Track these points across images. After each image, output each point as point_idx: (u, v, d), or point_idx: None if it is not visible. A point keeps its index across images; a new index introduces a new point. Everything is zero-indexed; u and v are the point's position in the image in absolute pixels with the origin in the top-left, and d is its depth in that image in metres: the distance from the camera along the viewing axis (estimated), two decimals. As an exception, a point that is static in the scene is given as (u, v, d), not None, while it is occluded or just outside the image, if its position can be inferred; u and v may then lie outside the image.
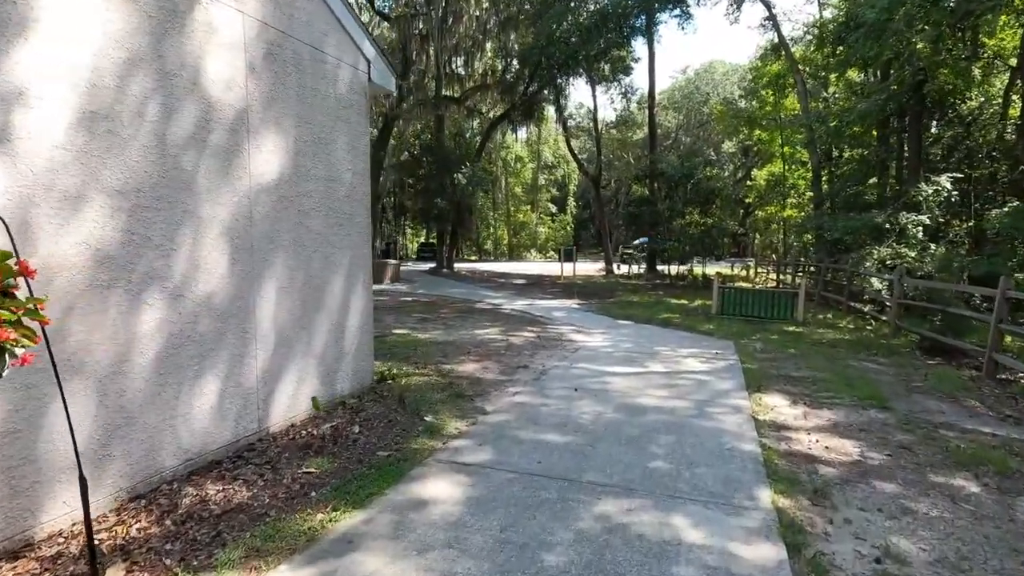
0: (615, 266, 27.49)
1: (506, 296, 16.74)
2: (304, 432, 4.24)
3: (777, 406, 5.44)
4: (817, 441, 4.46)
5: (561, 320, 11.62)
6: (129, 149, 3.09)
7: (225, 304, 3.74)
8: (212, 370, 3.66)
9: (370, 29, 30.26)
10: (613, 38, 18.65)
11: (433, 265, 26.17)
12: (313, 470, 3.63)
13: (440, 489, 3.42)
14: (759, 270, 26.87)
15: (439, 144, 23.31)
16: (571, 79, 24.29)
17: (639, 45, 31.95)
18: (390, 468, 3.71)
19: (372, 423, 4.55)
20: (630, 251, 38.12)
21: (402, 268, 28.47)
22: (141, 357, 3.20)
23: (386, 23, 27.67)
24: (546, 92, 24.99)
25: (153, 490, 3.26)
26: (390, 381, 5.69)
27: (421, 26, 25.90)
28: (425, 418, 4.73)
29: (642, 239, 39.08)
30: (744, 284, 20.18)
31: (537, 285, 20.92)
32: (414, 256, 45.13)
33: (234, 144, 3.77)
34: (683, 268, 22.57)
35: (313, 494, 3.32)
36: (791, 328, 10.88)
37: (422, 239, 44.83)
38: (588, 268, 30.78)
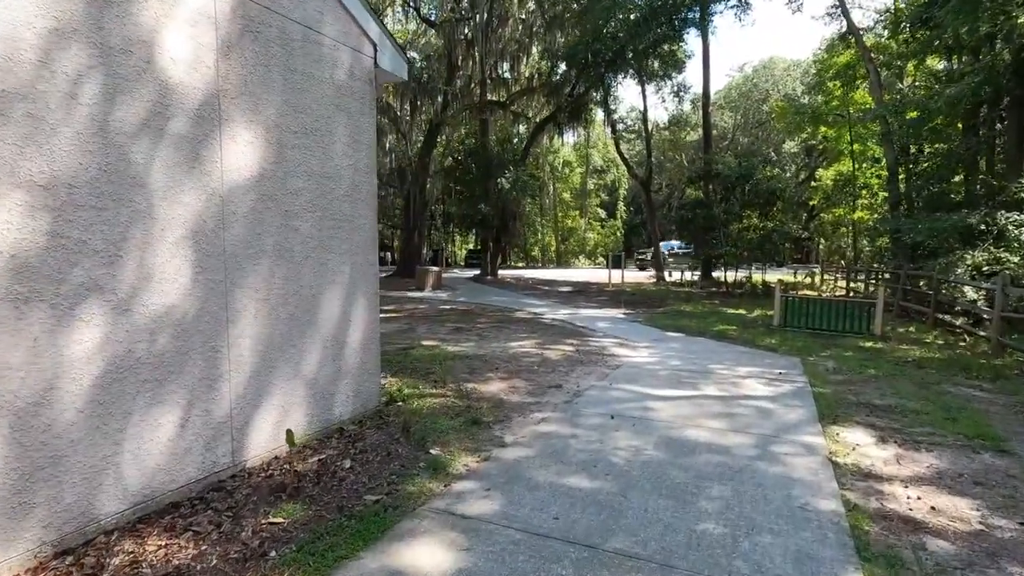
0: (667, 273, 26.18)
1: (549, 305, 15.98)
2: (286, 467, 3.66)
3: (860, 445, 4.44)
4: (919, 498, 3.48)
5: (604, 332, 10.76)
6: (58, 137, 2.60)
7: (189, 319, 3.21)
8: (172, 397, 3.13)
9: (416, 37, 30.52)
10: (664, 31, 17.60)
11: (478, 272, 25.72)
12: (281, 520, 3.02)
13: (427, 554, 2.73)
14: (826, 277, 24.90)
15: (483, 148, 22.87)
16: (619, 78, 23.33)
17: (692, 39, 30.51)
18: (374, 520, 3.05)
19: (368, 456, 3.93)
20: (643, 256, 36.50)
21: (447, 275, 28.22)
22: (74, 384, 2.69)
23: (432, 30, 27.65)
24: (593, 93, 24.13)
25: (87, 542, 2.74)
26: (400, 403, 5.07)
27: (467, 31, 25.70)
28: (431, 451, 4.07)
29: (669, 243, 37.50)
30: (809, 292, 18.56)
31: (583, 293, 20.04)
32: (462, 263, 45.06)
33: (201, 134, 3.25)
34: (740, 275, 21.10)
35: (272, 554, 2.71)
36: (868, 344, 9.58)
37: (471, 246, 44.67)
38: (638, 275, 29.55)
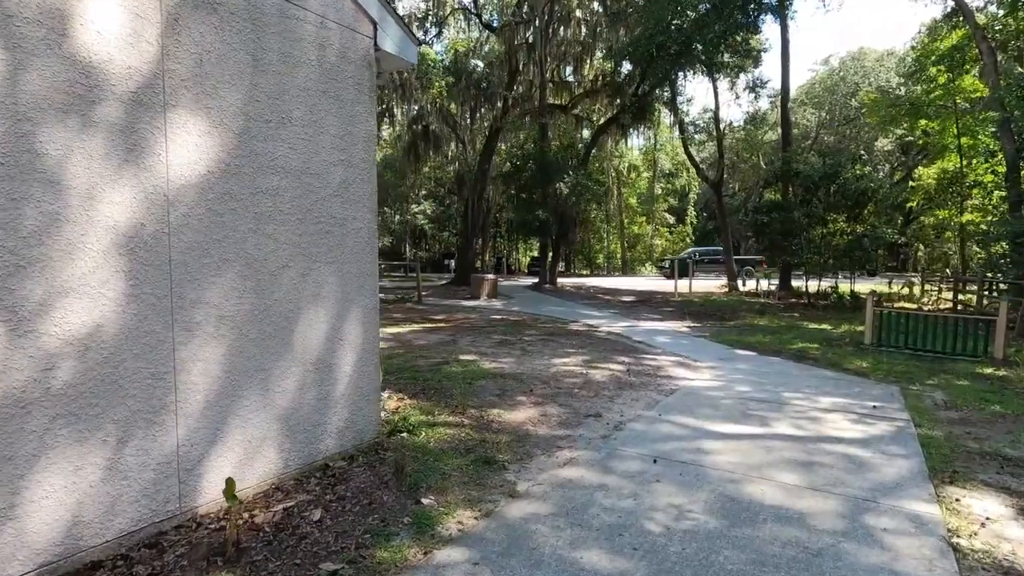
0: (740, 282, 24.28)
1: (606, 316, 14.97)
2: (243, 517, 3.08)
3: (992, 518, 3.30)
4: (1099, 622, 2.38)
5: (663, 348, 9.69)
6: (-67, 122, 2.14)
7: (121, 341, 2.70)
8: (96, 434, 2.62)
9: (479, 44, 30.43)
10: (736, 19, 16.13)
11: (537, 280, 25.00)
12: (204, 598, 2.42)
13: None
14: (927, 288, 22.12)
15: (541, 152, 22.18)
16: (687, 74, 21.92)
17: (769, 28, 28.17)
18: (319, 604, 2.39)
19: (345, 504, 3.29)
20: (664, 262, 34.19)
21: (507, 283, 27.71)
22: (-44, 421, 2.21)
23: (494, 36, 27.40)
24: (659, 92, 22.85)
25: (-33, 616, 2.25)
26: (404, 434, 4.41)
27: (528, 35, 25.20)
28: (423, 500, 3.37)
29: (692, 250, 35.02)
30: (908, 305, 16.36)
31: (646, 303, 18.80)
32: (526, 270, 44.52)
33: (138, 122, 2.74)
34: (824, 285, 19.05)
35: (175, 651, 2.10)
36: (987, 370, 7.95)
37: (535, 253, 44.08)
38: (709, 284, 27.71)
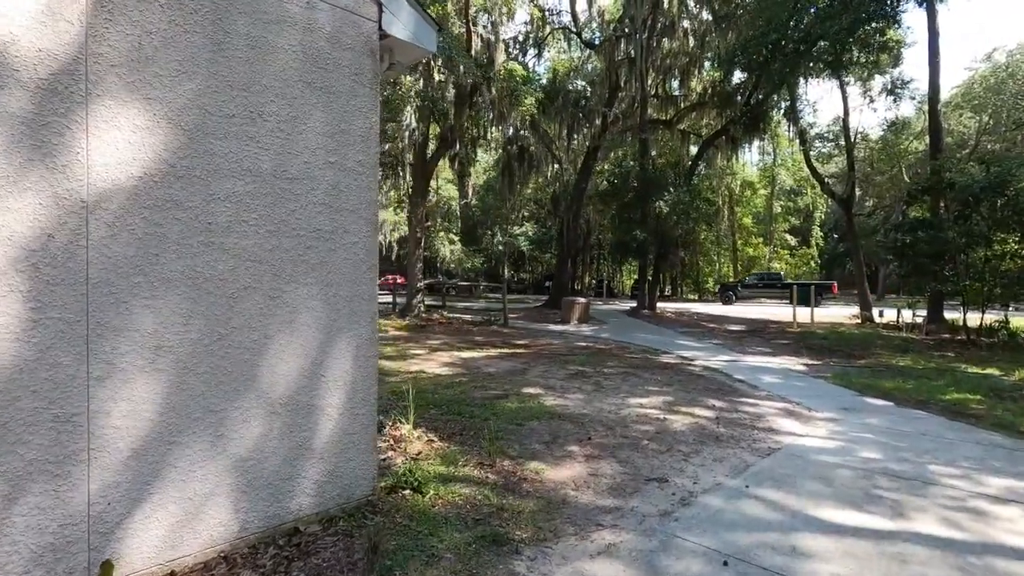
0: (877, 312, 20.96)
1: (706, 348, 13.31)
2: (161, 599, 2.48)
3: None
4: None
5: (769, 390, 8.11)
6: None
7: (13, 376, 2.23)
8: (-25, 488, 2.15)
9: (581, 64, 29.90)
10: (869, 9, 13.87)
11: (635, 305, 23.49)
12: None
13: None
14: None
15: (641, 169, 20.90)
16: (808, 78, 19.55)
17: (913, 17, 24.16)
18: None
19: (291, 593, 2.58)
20: (725, 288, 30.92)
21: (605, 307, 26.45)
22: None
23: (595, 54, 26.72)
24: (775, 99, 20.66)
25: None
26: (407, 491, 3.64)
27: (630, 50, 24.21)
28: (391, 596, 2.57)
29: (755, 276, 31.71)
30: (1113, 347, 12.81)
31: (757, 334, 16.66)
32: (629, 293, 42.69)
33: (49, 114, 2.31)
34: (991, 318, 15.64)
35: None
36: None
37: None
38: (837, 313, 24.34)
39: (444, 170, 39.08)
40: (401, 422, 5.15)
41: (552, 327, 17.40)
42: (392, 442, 4.77)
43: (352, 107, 3.33)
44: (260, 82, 2.93)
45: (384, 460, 4.38)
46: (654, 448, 5.12)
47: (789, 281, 31.82)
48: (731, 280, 34.83)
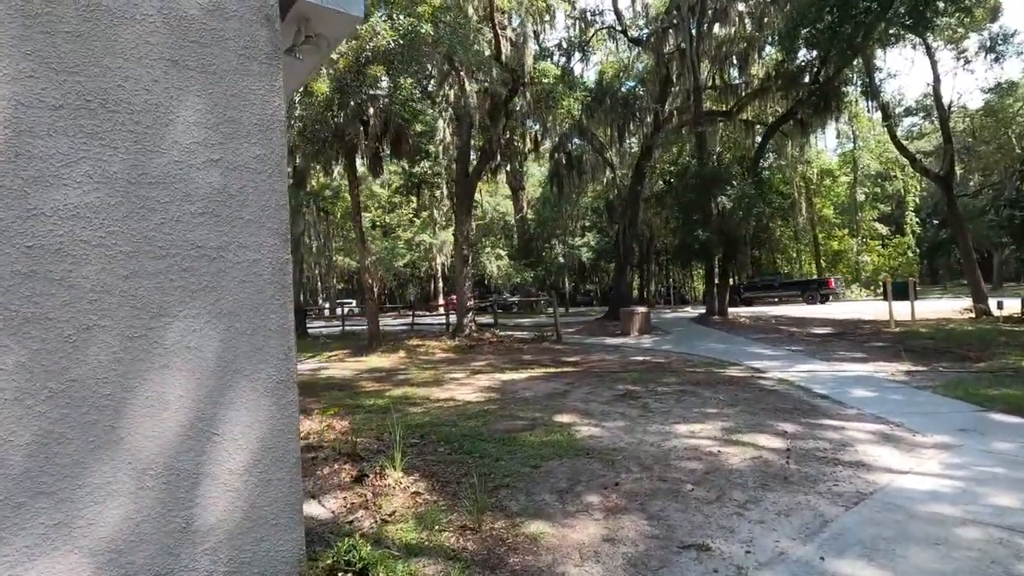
0: (994, 303, 18.04)
1: (782, 356, 11.68)
2: None
3: None
4: None
5: (859, 408, 6.66)
6: None
7: None
8: None
9: (631, 63, 28.65)
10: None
11: (703, 311, 21.73)
12: None
13: None
14: None
15: (700, 165, 19.37)
16: (885, 47, 17.30)
17: None
18: None
19: None
20: (736, 288, 31.01)
21: (669, 315, 24.80)
22: None
23: (642, 50, 25.45)
24: (847, 73, 18.50)
25: None
26: (350, 574, 2.82)
27: (681, 43, 22.79)
28: None
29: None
30: None
31: (846, 337, 14.63)
32: (702, 299, 40.23)
33: None
34: None
35: None
36: None
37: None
38: (943, 307, 21.35)
39: (502, 186, 38.84)
40: (389, 469, 4.37)
41: (609, 341, 16.20)
42: (370, 496, 4.00)
43: (242, 90, 2.63)
44: (100, 63, 2.30)
45: (350, 522, 3.61)
46: (699, 496, 4.02)
47: (787, 280, 33.38)
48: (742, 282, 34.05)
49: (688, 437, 5.56)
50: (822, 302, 29.40)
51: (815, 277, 34.64)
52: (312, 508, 3.93)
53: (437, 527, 3.47)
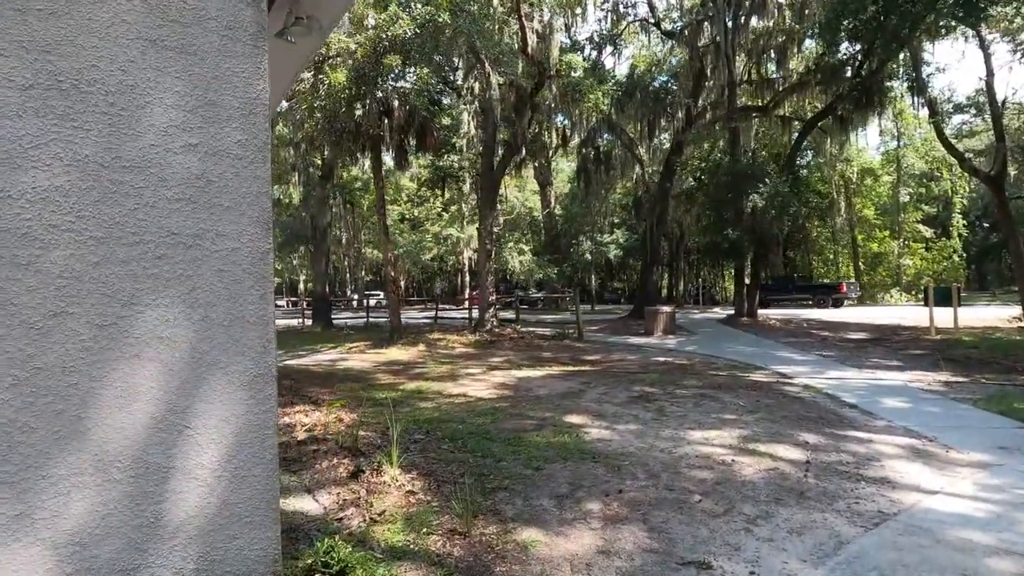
0: (1041, 311, 17.01)
1: (812, 362, 11.21)
2: None
3: None
4: None
5: (889, 419, 6.28)
6: None
7: None
8: None
9: (664, 57, 27.99)
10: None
11: (732, 312, 21.15)
12: None
13: None
14: None
15: (733, 161, 18.79)
16: (934, 39, 16.39)
17: None
18: None
19: None
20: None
21: (697, 315, 24.26)
22: None
23: (675, 43, 24.82)
24: (892, 66, 17.61)
25: None
26: (328, 574, 2.73)
27: (716, 36, 22.13)
28: None
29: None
30: None
31: (881, 343, 13.99)
32: (732, 300, 39.26)
33: None
34: None
35: None
36: None
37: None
38: (990, 315, 20.27)
39: (529, 181, 38.60)
40: (386, 465, 4.28)
41: (632, 340, 15.88)
42: (364, 493, 3.91)
43: (225, 72, 2.54)
44: (74, 42, 2.23)
45: (339, 520, 3.53)
46: (706, 508, 3.81)
47: (801, 284, 32.41)
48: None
49: (702, 444, 5.32)
50: (835, 306, 28.42)
51: (826, 281, 32.74)
52: (305, 503, 3.87)
53: (426, 529, 3.35)
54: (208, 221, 2.48)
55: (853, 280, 32.31)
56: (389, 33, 9.84)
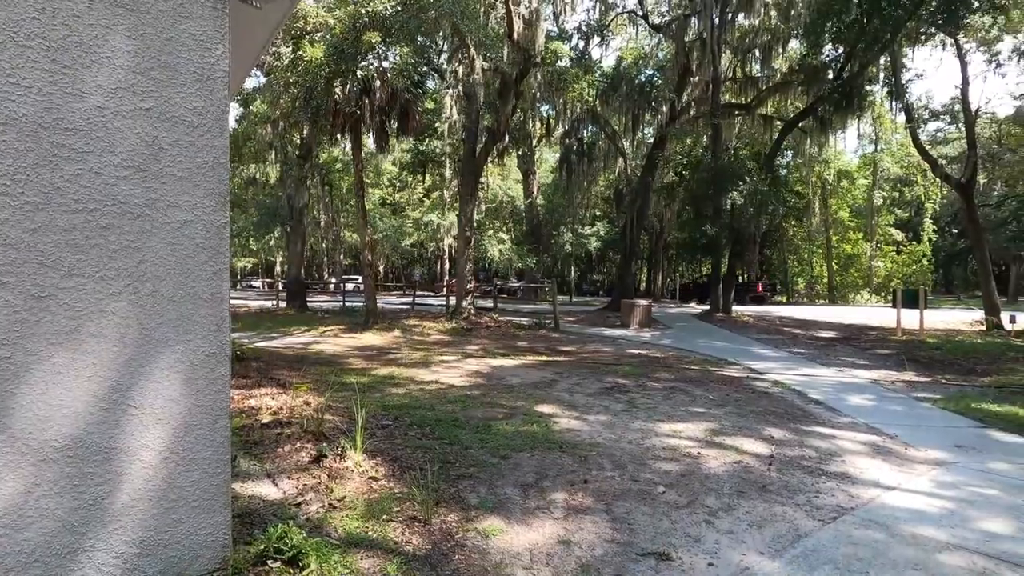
0: (1007, 317, 17.56)
1: (782, 358, 11.39)
2: None
3: None
4: None
5: (852, 417, 6.40)
6: None
7: None
8: None
9: (651, 51, 27.96)
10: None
11: (707, 308, 21.40)
12: None
13: None
14: None
15: (713, 158, 18.90)
16: (914, 45, 16.66)
17: None
18: None
19: None
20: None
21: (675, 310, 24.47)
22: None
23: (663, 37, 24.79)
24: (872, 70, 17.86)
25: None
26: (276, 564, 2.64)
27: (703, 32, 22.15)
28: None
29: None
30: None
31: (850, 342, 14.30)
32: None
33: None
34: None
35: None
36: None
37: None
38: (955, 318, 20.87)
39: (513, 170, 38.37)
40: (350, 451, 4.20)
41: (608, 332, 15.96)
42: (326, 479, 3.82)
43: (181, 33, 2.40)
44: (12, -10, 2.07)
45: (297, 505, 3.44)
46: (670, 499, 3.82)
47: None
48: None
49: (670, 436, 5.35)
50: (754, 303, 29.50)
51: (745, 280, 32.77)
52: (264, 488, 3.77)
53: (386, 516, 3.29)
54: (159, 191, 2.35)
55: (768, 281, 33.31)
56: (369, 8, 9.59)
